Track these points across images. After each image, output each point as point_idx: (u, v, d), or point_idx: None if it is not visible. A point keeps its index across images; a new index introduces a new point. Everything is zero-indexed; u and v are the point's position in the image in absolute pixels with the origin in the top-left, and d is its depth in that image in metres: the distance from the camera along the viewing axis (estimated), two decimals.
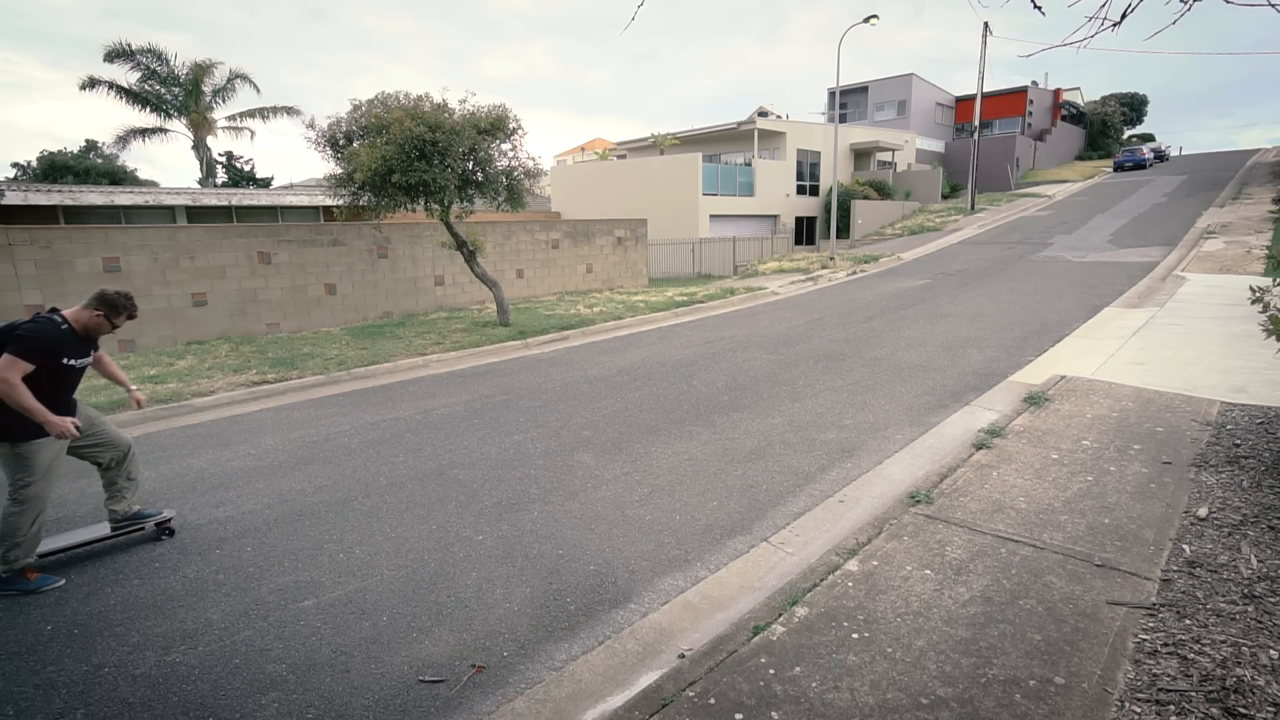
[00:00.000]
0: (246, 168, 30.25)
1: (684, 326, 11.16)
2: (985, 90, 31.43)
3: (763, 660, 2.65)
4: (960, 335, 8.96)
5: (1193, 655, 2.53)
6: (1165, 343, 7.77)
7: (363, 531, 3.97)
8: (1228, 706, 2.24)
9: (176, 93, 23.45)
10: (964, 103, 41.37)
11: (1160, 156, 40.27)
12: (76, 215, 14.74)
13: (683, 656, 2.78)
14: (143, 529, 3.88)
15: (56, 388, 3.39)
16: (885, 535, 3.64)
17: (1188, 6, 3.25)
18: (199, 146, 24.63)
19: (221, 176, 28.85)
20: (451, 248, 11.11)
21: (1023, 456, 4.65)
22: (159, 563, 3.66)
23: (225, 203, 16.83)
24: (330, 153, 9.92)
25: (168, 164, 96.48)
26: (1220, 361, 6.80)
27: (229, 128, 25.47)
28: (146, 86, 23.07)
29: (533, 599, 3.23)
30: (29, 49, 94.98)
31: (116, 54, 21.94)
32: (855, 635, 2.78)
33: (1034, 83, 42.25)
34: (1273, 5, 3.18)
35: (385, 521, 4.09)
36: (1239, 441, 4.66)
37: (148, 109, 23.46)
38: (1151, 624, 2.75)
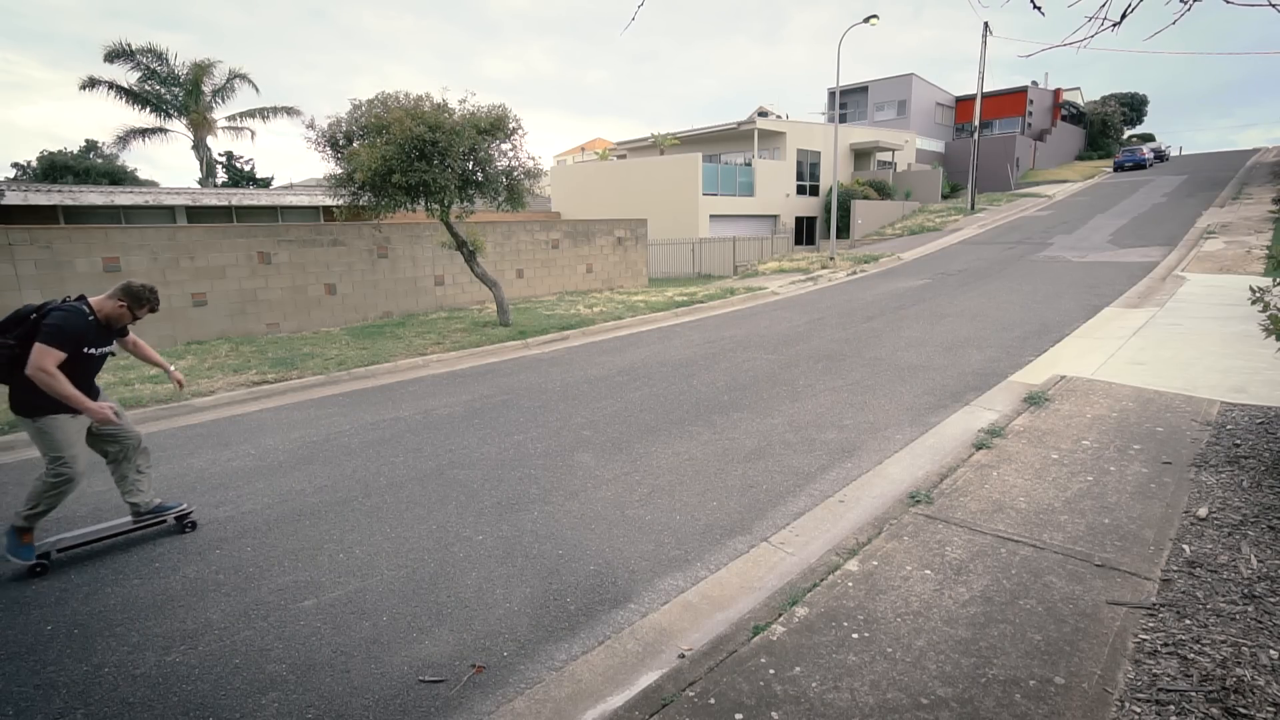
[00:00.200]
0: (246, 168, 30.26)
1: (684, 326, 11.16)
2: (985, 90, 31.45)
3: (763, 660, 2.65)
4: (960, 335, 8.96)
5: (1193, 655, 2.53)
6: (1165, 343, 7.77)
7: (363, 531, 3.97)
8: (1228, 706, 2.24)
9: (176, 93, 23.46)
10: (964, 103, 41.37)
11: (1160, 156, 40.27)
12: (76, 215, 14.74)
13: (683, 656, 2.78)
14: (164, 522, 3.99)
15: (75, 375, 3.49)
16: (885, 535, 3.64)
17: (1188, 6, 3.24)
18: (199, 146, 24.64)
19: (221, 176, 28.86)
20: (451, 248, 11.12)
21: (1023, 456, 4.65)
22: (159, 563, 3.67)
23: (225, 203, 16.83)
24: (330, 153, 9.93)
25: (168, 164, 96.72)
26: (1220, 361, 6.80)
27: (229, 128, 25.51)
28: (146, 86, 23.08)
29: (533, 599, 3.23)
30: (29, 49, 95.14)
31: (116, 54, 21.95)
32: (855, 635, 2.78)
33: (1034, 83, 42.24)
34: (1273, 5, 3.18)
35: (385, 521, 4.09)
36: (1239, 441, 4.66)
37: (148, 109, 23.47)
38: (1151, 624, 2.75)
